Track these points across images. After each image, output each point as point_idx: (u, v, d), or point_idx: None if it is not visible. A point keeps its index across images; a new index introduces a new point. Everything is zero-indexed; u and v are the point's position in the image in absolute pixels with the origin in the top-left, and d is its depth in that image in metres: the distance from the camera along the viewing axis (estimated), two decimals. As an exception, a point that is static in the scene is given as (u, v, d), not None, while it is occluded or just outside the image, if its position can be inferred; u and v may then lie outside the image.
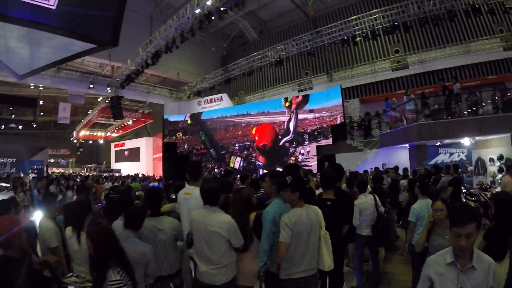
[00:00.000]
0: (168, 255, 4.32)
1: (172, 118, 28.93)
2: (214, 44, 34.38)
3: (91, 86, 27.14)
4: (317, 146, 22.06)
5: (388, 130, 19.03)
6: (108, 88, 27.80)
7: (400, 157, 18.12)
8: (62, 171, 41.28)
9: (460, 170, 12.23)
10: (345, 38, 22.04)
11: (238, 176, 12.40)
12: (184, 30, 20.09)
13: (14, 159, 31.46)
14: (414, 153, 15.95)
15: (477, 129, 14.53)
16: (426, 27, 22.59)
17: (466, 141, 16.95)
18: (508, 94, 16.25)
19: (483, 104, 16.35)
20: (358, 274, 6.71)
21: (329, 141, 21.72)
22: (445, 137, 15.35)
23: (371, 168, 15.17)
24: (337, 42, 22.67)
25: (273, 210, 4.16)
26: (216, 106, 27.26)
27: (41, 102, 35.30)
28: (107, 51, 24.52)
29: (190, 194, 4.77)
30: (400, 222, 10.75)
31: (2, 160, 31.06)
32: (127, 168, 36.18)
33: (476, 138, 16.19)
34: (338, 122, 21.40)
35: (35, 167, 31.79)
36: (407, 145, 16.66)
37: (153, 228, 4.26)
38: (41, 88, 31.43)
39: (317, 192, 6.07)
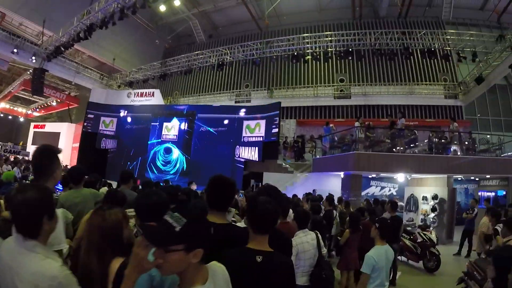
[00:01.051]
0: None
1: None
2: (160, 38, 32.10)
3: (15, 50, 23.17)
4: (244, 162, 20.14)
5: (322, 156, 17.67)
6: (33, 58, 23.98)
7: (331, 184, 16.74)
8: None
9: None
10: (295, 54, 20.64)
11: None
12: (126, 5, 17.72)
13: None
14: (348, 182, 14.50)
15: (416, 166, 13.95)
16: (373, 63, 22.91)
17: (400, 177, 16.54)
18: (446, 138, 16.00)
19: (421, 144, 16.07)
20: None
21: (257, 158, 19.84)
22: (383, 170, 14.39)
23: (305, 193, 13.42)
24: (285, 56, 21.33)
25: None
26: (146, 101, 24.87)
27: None
28: (42, 16, 22.39)
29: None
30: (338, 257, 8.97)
31: None
32: None
33: (413, 175, 15.60)
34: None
35: None
36: (341, 173, 15.20)
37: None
38: None
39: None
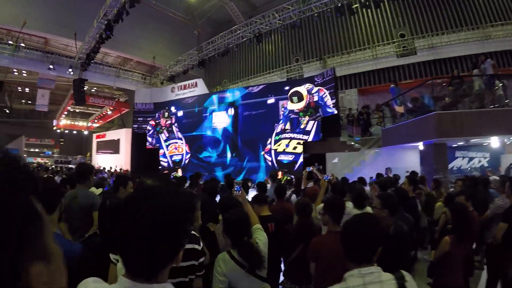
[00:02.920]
0: None
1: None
2: (199, 28, 29.66)
3: (51, 66, 22.75)
4: (304, 143, 17.09)
5: (392, 125, 13.87)
6: (70, 70, 23.39)
7: (408, 160, 13.21)
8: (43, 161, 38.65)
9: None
10: (339, 5, 16.84)
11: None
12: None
13: (-16, 148, 28.52)
14: (430, 155, 10.89)
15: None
16: (437, 4, 19.25)
17: (494, 142, 12.05)
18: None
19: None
20: None
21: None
22: (474, 133, 10.21)
23: (372, 177, 9.64)
24: (328, 11, 17.48)
25: None
26: (190, 93, 23.03)
27: (19, 89, 34.17)
28: (72, 30, 22.06)
29: None
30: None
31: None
32: (107, 161, 32.51)
33: (512, 138, 11.41)
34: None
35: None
36: (419, 143, 11.56)
37: None
38: (15, 73, 28.98)
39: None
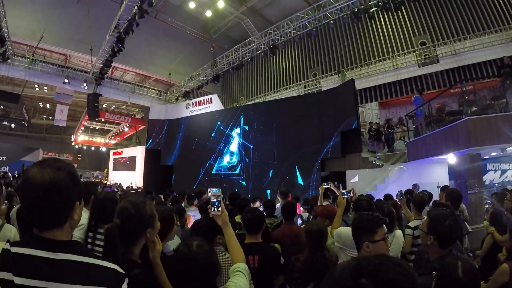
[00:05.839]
0: None
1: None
2: (213, 43, 29.11)
3: (66, 80, 22.93)
4: (322, 160, 15.52)
5: (418, 137, 12.55)
6: (85, 84, 23.49)
7: (435, 175, 11.98)
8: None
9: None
10: (356, 10, 15.89)
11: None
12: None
13: (4, 158, 30.25)
14: (461, 168, 9.67)
15: None
16: (456, 11, 18.47)
17: None
18: None
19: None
20: None
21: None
22: None
23: (400, 191, 8.23)
24: (345, 18, 16.59)
25: None
26: (205, 109, 22.04)
27: (41, 104, 35.42)
28: (88, 45, 21.70)
29: None
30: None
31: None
32: (123, 178, 32.34)
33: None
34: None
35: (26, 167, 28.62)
36: (447, 156, 10.31)
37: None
38: (37, 88, 29.96)
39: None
